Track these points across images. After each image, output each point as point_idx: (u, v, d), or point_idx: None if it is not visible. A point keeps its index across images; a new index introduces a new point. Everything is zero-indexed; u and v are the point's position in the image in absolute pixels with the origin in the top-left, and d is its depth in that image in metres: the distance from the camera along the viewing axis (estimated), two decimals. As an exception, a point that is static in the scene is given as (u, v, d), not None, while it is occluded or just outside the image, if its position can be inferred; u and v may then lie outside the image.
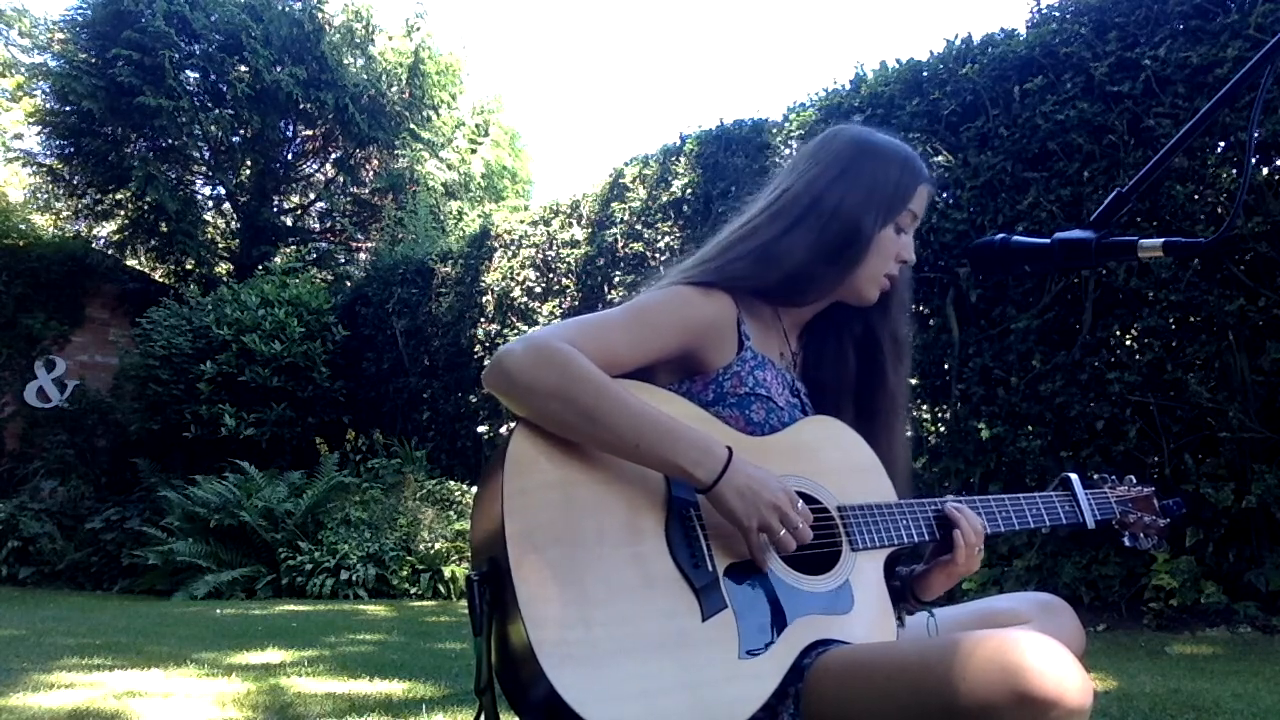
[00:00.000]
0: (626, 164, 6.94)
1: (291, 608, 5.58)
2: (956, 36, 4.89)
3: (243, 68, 9.86)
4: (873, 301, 1.37)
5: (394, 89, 11.29)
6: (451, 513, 6.82)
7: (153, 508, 7.78)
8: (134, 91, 9.22)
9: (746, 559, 1.13)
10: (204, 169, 11.39)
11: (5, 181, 12.17)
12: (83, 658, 3.40)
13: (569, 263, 7.20)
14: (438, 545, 6.44)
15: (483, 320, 7.75)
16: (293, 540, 6.66)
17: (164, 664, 3.22)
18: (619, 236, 6.74)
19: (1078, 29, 4.35)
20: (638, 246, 6.58)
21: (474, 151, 12.76)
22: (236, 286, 8.77)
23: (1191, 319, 4.02)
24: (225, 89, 10.03)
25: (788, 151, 5.60)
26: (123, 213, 11.32)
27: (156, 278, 11.38)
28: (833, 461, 1.28)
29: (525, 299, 7.47)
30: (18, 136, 11.64)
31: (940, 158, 4.72)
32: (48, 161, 11.03)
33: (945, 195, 4.80)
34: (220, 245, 11.92)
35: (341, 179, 12.12)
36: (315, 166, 12.29)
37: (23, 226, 10.89)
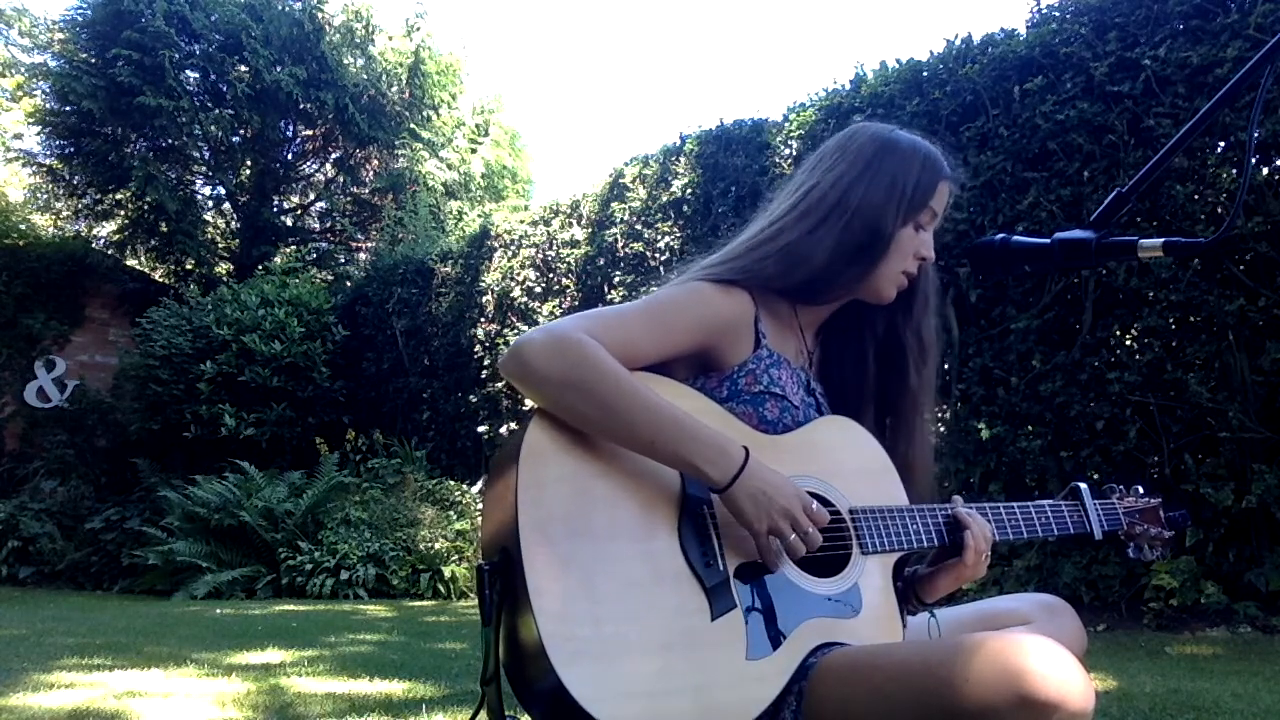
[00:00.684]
0: (626, 164, 6.94)
1: (291, 608, 5.58)
2: (956, 36, 4.90)
3: (243, 68, 9.86)
4: (890, 300, 1.35)
5: (394, 89, 11.29)
6: (451, 513, 6.82)
7: (153, 508, 7.78)
8: (134, 91, 9.22)
9: (758, 559, 1.13)
10: (204, 169, 11.39)
11: (5, 181, 12.17)
12: (83, 658, 3.40)
13: (569, 263, 7.20)
14: (438, 545, 6.44)
15: (483, 320, 7.74)
16: (293, 540, 6.66)
17: (164, 664, 3.22)
18: (619, 236, 6.74)
19: (1078, 29, 4.35)
20: (638, 246, 6.58)
21: (474, 151, 12.76)
22: (236, 286, 8.77)
23: (1191, 319, 4.02)
24: (225, 89, 10.03)
25: (787, 151, 5.60)
26: (123, 213, 11.32)
27: (156, 278, 11.38)
28: (846, 463, 1.28)
29: (525, 299, 7.47)
30: (18, 136, 11.64)
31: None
32: (48, 161, 11.04)
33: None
34: (220, 245, 11.92)
35: (341, 179, 12.12)
36: (315, 166, 12.29)
37: (23, 226, 10.89)
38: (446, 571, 6.23)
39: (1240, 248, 3.83)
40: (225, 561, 6.71)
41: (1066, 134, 4.29)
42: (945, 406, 4.72)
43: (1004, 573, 4.20)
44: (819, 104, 5.52)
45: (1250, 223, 3.69)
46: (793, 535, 1.10)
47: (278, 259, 10.22)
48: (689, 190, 6.26)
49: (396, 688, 2.79)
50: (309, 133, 11.64)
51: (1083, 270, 4.17)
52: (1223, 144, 3.96)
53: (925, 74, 4.97)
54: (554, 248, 7.38)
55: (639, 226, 6.62)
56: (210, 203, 12.00)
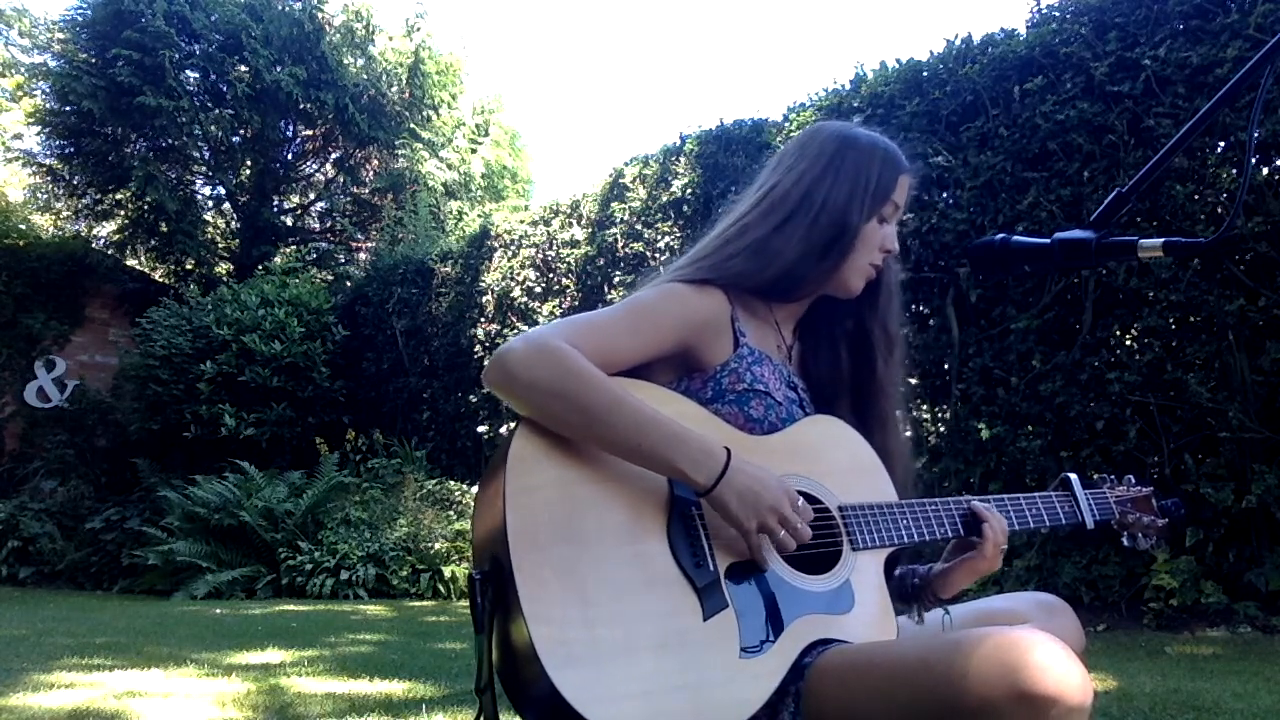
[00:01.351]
0: (626, 164, 6.94)
1: (291, 608, 5.58)
2: (956, 36, 4.89)
3: (243, 68, 9.86)
4: (858, 293, 1.38)
5: (394, 89, 11.30)
6: (451, 513, 6.82)
7: (153, 508, 7.78)
8: (134, 91, 9.22)
9: (748, 558, 1.13)
10: (204, 169, 11.39)
11: (5, 181, 12.17)
12: (83, 658, 3.40)
13: (569, 263, 7.20)
14: (438, 545, 6.44)
15: (483, 320, 7.74)
16: (293, 540, 6.66)
17: (164, 664, 3.22)
18: (619, 236, 6.74)
19: (1078, 29, 4.35)
20: (638, 246, 6.58)
21: (474, 151, 12.76)
22: (236, 286, 8.77)
23: (1191, 319, 4.02)
24: (225, 89, 10.03)
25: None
26: (123, 213, 11.32)
27: (156, 278, 11.38)
28: (834, 461, 1.29)
29: (525, 299, 7.47)
30: (18, 136, 11.65)
31: (940, 158, 4.72)
32: (48, 161, 11.04)
33: (945, 195, 4.80)
34: (220, 245, 11.92)
35: (341, 179, 12.12)
36: (315, 166, 12.29)
37: (23, 226, 10.90)
38: (446, 571, 6.23)
39: (1240, 248, 3.83)
40: (225, 561, 6.71)
41: (1066, 134, 4.29)
42: (945, 406, 4.72)
43: (1004, 573, 4.20)
44: (819, 104, 5.52)
45: (1250, 223, 3.69)
46: (781, 531, 1.11)
47: (278, 259, 10.22)
48: (689, 190, 6.26)
49: (396, 688, 2.79)
50: (309, 133, 11.64)
51: (1083, 270, 4.17)
52: (1223, 144, 3.96)
53: (925, 74, 4.97)
54: (554, 248, 7.38)
55: (639, 226, 6.62)
56: (210, 203, 12.01)
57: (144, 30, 9.28)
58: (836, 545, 1.22)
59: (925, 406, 4.83)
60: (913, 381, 4.73)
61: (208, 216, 11.92)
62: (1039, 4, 4.66)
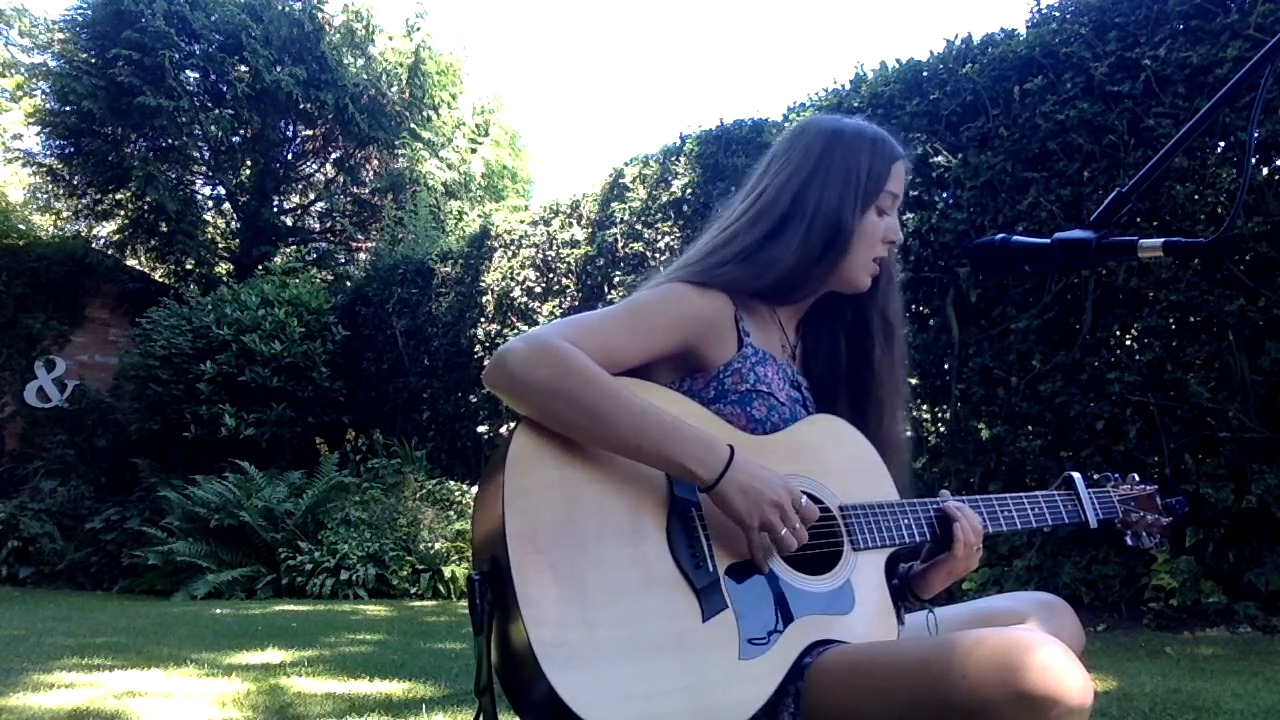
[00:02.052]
0: (626, 164, 6.94)
1: (291, 608, 5.57)
2: (956, 36, 4.89)
3: (243, 68, 9.86)
4: (865, 288, 1.37)
5: (394, 89, 11.30)
6: (451, 513, 6.82)
7: (153, 508, 7.78)
8: (134, 91, 9.22)
9: (748, 559, 1.13)
10: (204, 169, 11.39)
11: (5, 181, 12.17)
12: (83, 658, 3.40)
13: (569, 263, 7.20)
14: (438, 545, 6.44)
15: (483, 320, 7.75)
16: (293, 540, 6.66)
17: (164, 664, 3.22)
18: (619, 236, 6.74)
19: (1078, 29, 4.35)
20: (638, 246, 6.58)
21: (474, 151, 12.77)
22: (236, 286, 8.77)
23: (1191, 319, 4.02)
24: (225, 89, 10.03)
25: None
26: (123, 213, 11.32)
27: (156, 278, 11.38)
28: (835, 461, 1.28)
29: (525, 299, 7.47)
30: (17, 136, 11.64)
31: (940, 158, 4.72)
32: (48, 161, 11.04)
33: (945, 195, 4.80)
34: (220, 245, 11.92)
35: (341, 179, 12.12)
36: (315, 166, 12.29)
37: (23, 226, 10.90)
38: (446, 571, 6.23)
39: (1240, 248, 3.83)
40: (225, 561, 6.71)
41: (1066, 134, 4.29)
42: (945, 406, 4.72)
43: (1004, 572, 4.20)
44: (819, 104, 5.52)
45: (1250, 223, 3.69)
46: (783, 529, 1.10)
47: (278, 259, 10.22)
48: (689, 190, 6.26)
49: (396, 688, 2.79)
50: (309, 133, 11.64)
51: (1083, 270, 4.17)
52: (1223, 144, 3.96)
53: (925, 74, 4.97)
54: (554, 248, 7.38)
55: (639, 226, 6.62)
56: (210, 203, 12.01)
57: (144, 30, 9.28)
58: (837, 545, 1.21)
59: (925, 406, 4.83)
60: (913, 381, 4.73)
61: (208, 216, 11.92)
62: (1039, 4, 4.66)
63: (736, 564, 1.13)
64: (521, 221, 7.89)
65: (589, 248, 7.03)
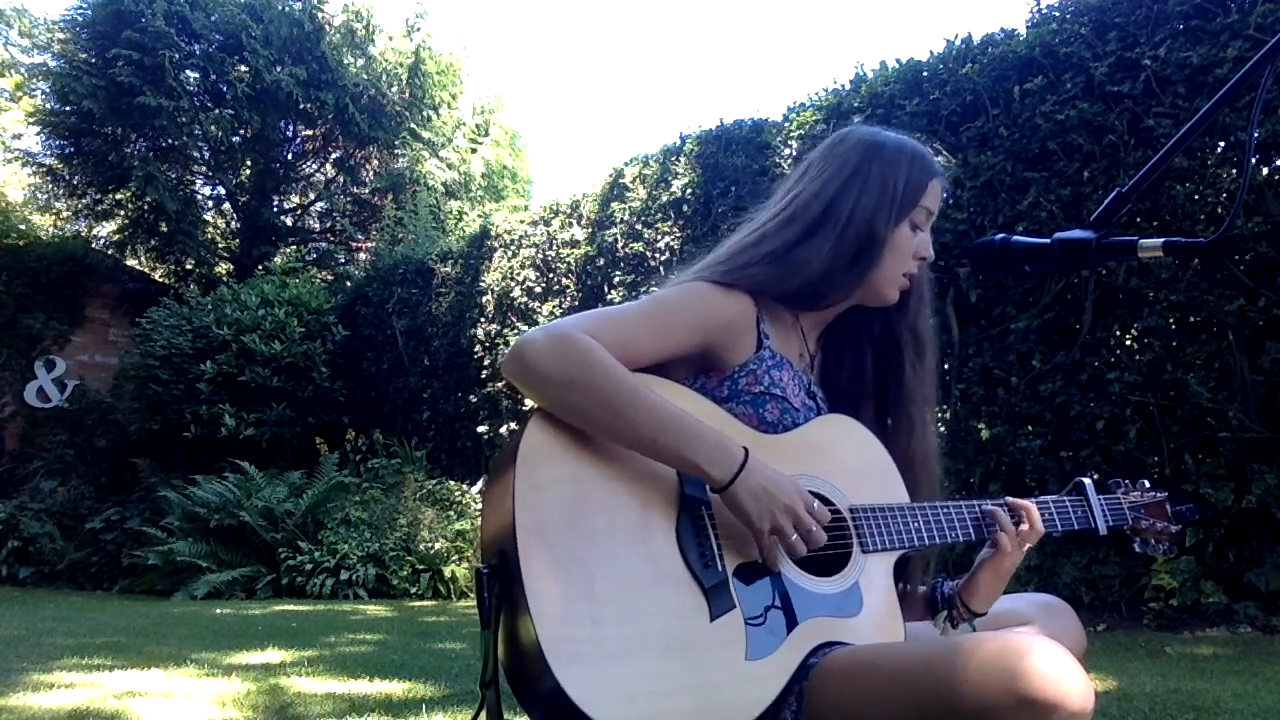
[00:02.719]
0: (626, 164, 6.94)
1: (291, 608, 5.58)
2: (956, 36, 4.89)
3: (243, 68, 9.86)
4: (893, 301, 1.36)
5: (394, 89, 11.30)
6: (451, 513, 6.82)
7: (153, 508, 7.78)
8: (134, 91, 9.22)
9: (757, 559, 1.13)
10: (204, 169, 11.39)
11: (5, 181, 12.17)
12: (83, 658, 3.40)
13: (569, 263, 7.20)
14: (438, 545, 6.44)
15: (483, 320, 7.74)
16: (293, 540, 6.66)
17: (164, 664, 3.21)
18: (619, 236, 6.74)
19: (1078, 29, 4.35)
20: (638, 246, 6.58)
21: (474, 151, 12.77)
22: (236, 286, 8.77)
23: (1191, 319, 4.02)
24: (225, 89, 10.03)
25: (788, 152, 5.60)
26: (123, 213, 11.32)
27: (156, 278, 11.38)
28: (845, 461, 1.27)
29: (525, 299, 7.47)
30: (17, 136, 11.64)
31: (940, 158, 4.71)
32: (48, 161, 11.04)
33: (945, 195, 4.79)
34: (220, 245, 11.92)
35: (341, 179, 12.12)
36: (315, 166, 12.29)
37: (23, 226, 10.90)
38: (446, 571, 6.23)
39: (1240, 248, 3.83)
40: (225, 561, 6.71)
41: (1066, 134, 4.29)
42: (945, 406, 4.72)
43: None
44: (819, 104, 5.51)
45: (1250, 223, 3.69)
46: (794, 535, 1.10)
47: (278, 259, 10.23)
48: (689, 190, 6.26)
49: (396, 688, 2.79)
50: (309, 133, 11.64)
51: (1083, 270, 4.16)
52: (1223, 144, 3.96)
53: (925, 74, 4.97)
54: (554, 248, 7.38)
55: (639, 226, 6.62)
56: (210, 203, 12.01)
57: (144, 30, 9.28)
58: (846, 547, 1.21)
59: (925, 406, 4.82)
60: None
61: (208, 216, 11.92)
62: (1039, 4, 4.66)
63: (746, 564, 1.12)
64: (521, 221, 7.89)
65: (589, 248, 7.03)
